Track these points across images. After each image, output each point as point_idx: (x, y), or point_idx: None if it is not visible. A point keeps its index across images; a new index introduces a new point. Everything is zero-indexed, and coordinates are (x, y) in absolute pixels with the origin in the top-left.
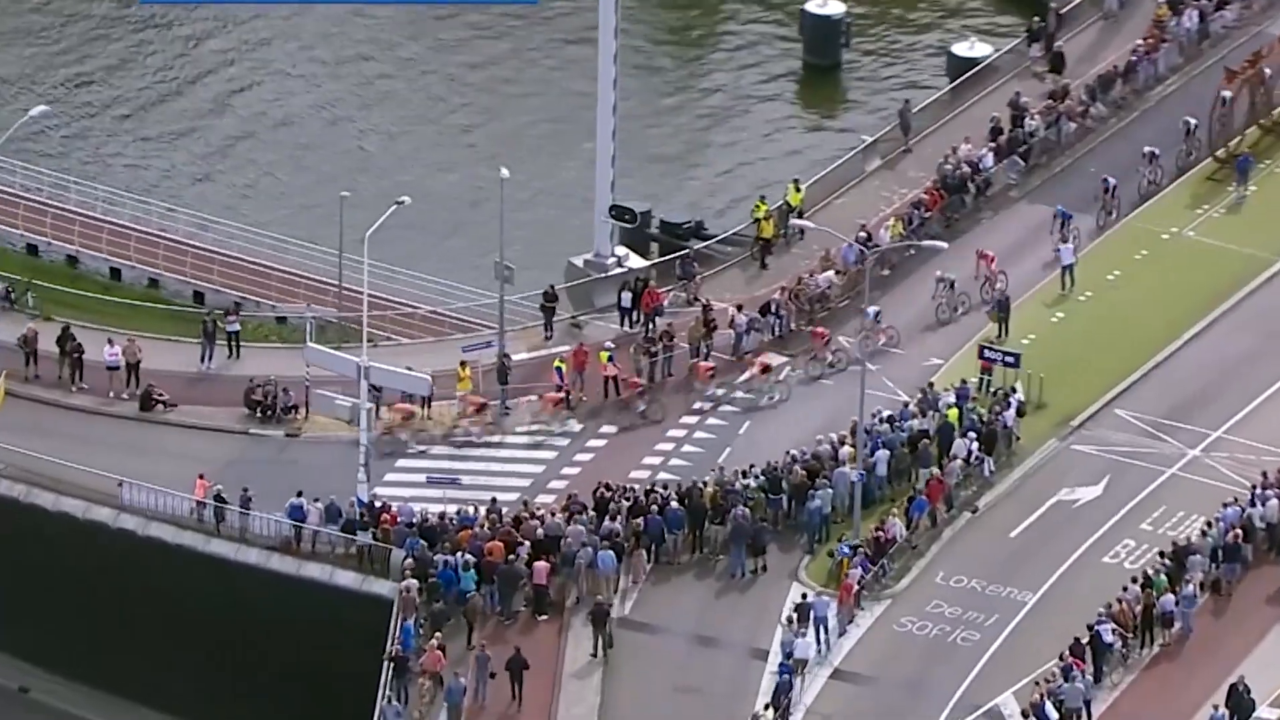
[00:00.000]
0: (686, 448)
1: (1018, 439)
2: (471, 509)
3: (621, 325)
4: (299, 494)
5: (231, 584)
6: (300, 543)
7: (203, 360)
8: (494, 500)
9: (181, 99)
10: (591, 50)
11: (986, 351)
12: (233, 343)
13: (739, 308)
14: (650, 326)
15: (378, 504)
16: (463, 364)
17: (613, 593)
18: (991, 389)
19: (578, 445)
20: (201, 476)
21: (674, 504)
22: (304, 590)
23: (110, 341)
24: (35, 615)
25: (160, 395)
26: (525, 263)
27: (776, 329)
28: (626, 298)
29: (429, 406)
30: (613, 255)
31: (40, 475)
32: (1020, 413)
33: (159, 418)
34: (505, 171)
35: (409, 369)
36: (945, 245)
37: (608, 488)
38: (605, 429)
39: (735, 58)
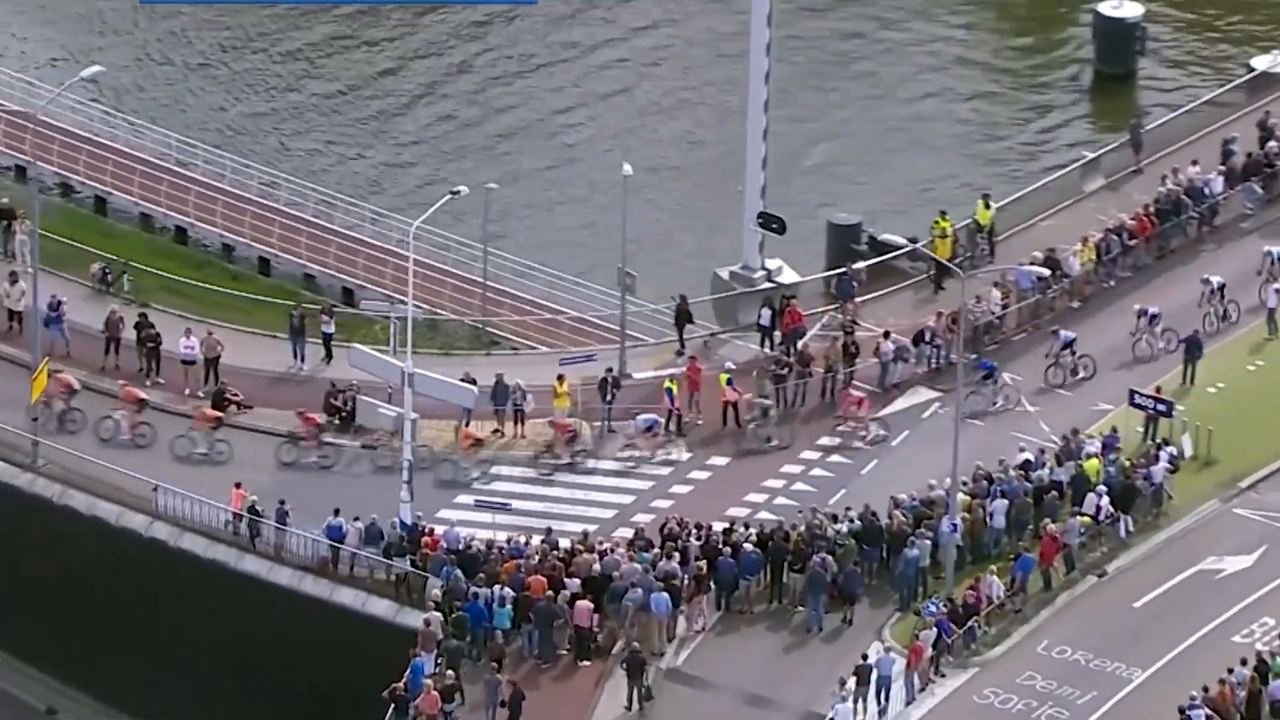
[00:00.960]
0: (798, 485)
1: (1169, 497)
2: (523, 538)
3: (761, 346)
4: (336, 512)
5: (262, 605)
6: (337, 565)
7: (295, 359)
8: (549, 531)
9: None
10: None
11: (1137, 397)
12: (327, 345)
13: (886, 334)
14: (790, 349)
15: (423, 526)
16: (560, 378)
17: (666, 640)
18: (1155, 440)
19: (679, 475)
20: (238, 485)
21: (749, 546)
22: (335, 617)
23: (187, 333)
24: (63, 626)
25: (234, 395)
26: (693, 272)
27: (933, 360)
28: (766, 315)
29: (523, 423)
30: (761, 268)
31: (80, 475)
32: (1174, 468)
33: (229, 419)
34: (628, 168)
35: (514, 383)
36: (1045, 271)
37: (679, 524)
38: (715, 460)
39: (1017, 60)
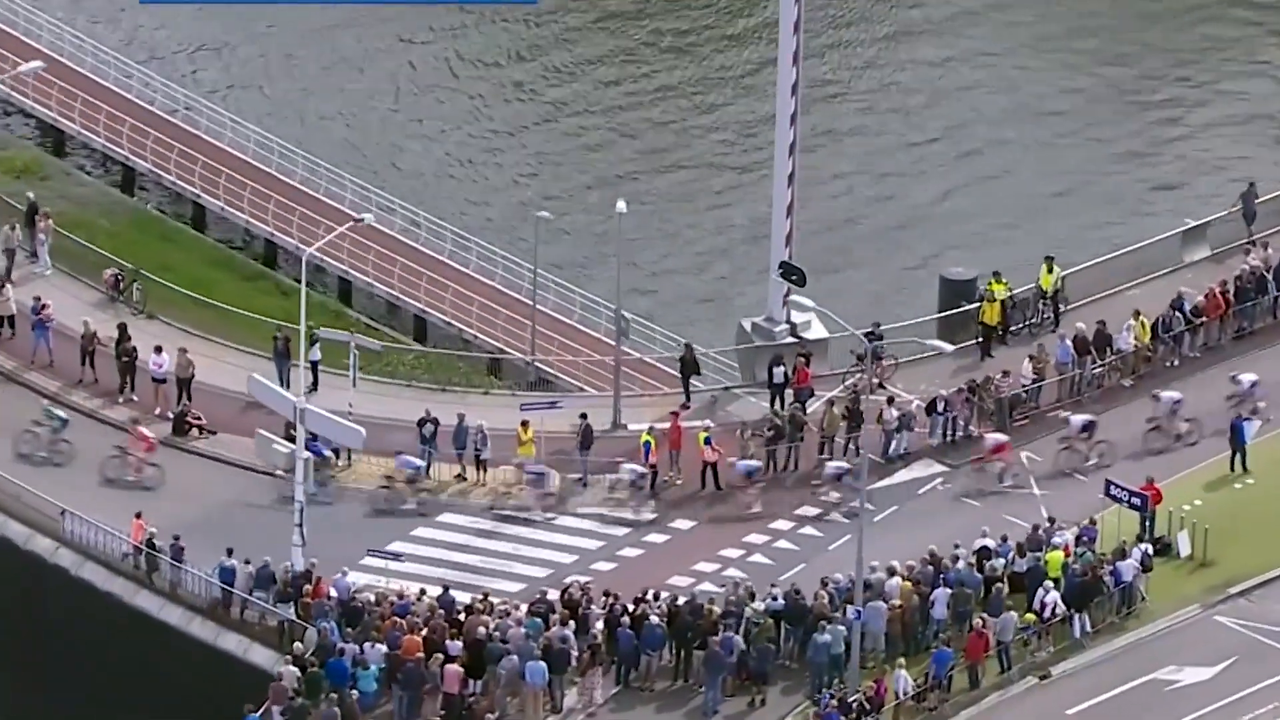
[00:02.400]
0: (756, 557)
1: (1143, 599)
2: (419, 591)
3: (772, 405)
4: (229, 553)
5: (151, 645)
6: (229, 608)
7: (279, 384)
8: (445, 589)
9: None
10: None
11: (1113, 488)
12: (314, 373)
13: (890, 401)
14: (796, 410)
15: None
16: (524, 424)
17: (545, 713)
18: (1154, 536)
19: (635, 537)
20: (138, 516)
21: (654, 619)
22: (218, 664)
23: (158, 349)
24: None
25: (197, 419)
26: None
27: (947, 431)
28: (780, 373)
29: (485, 470)
30: (786, 321)
31: (4, 495)
32: (1146, 566)
33: (188, 445)
34: (622, 205)
35: (475, 425)
36: (949, 348)
37: (582, 590)
38: (680, 523)
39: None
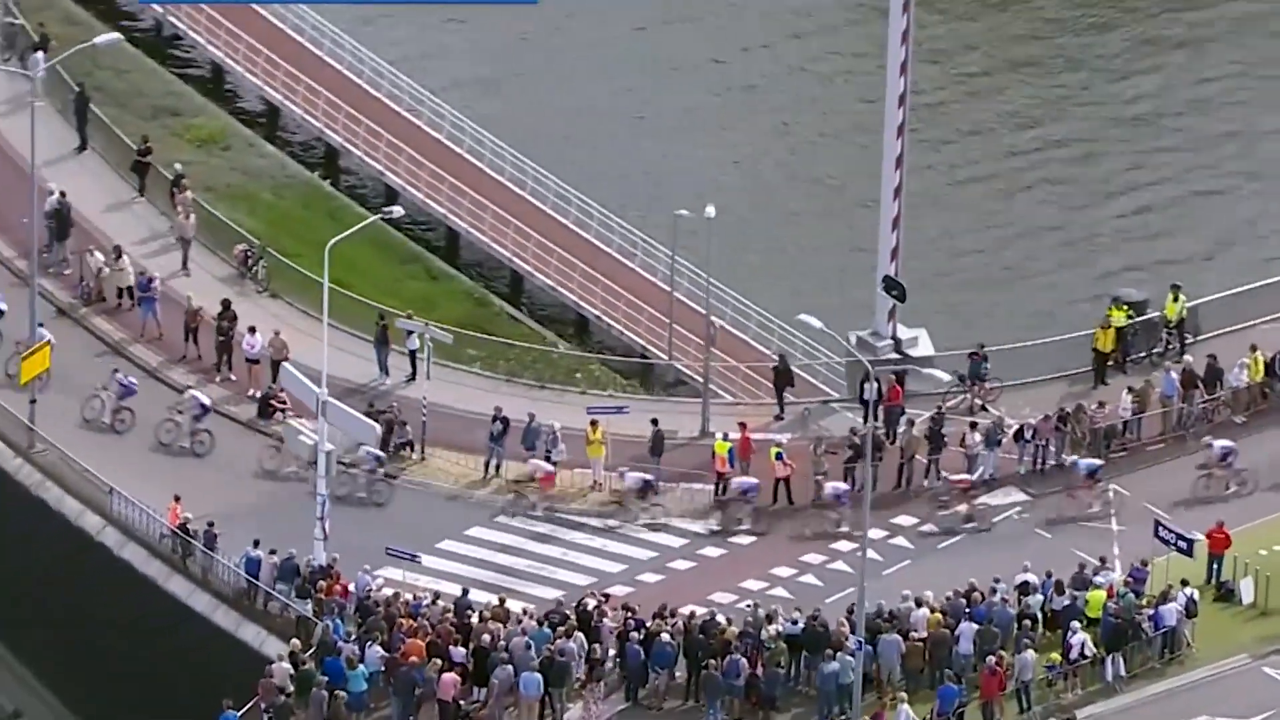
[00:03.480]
0: (806, 577)
1: (1189, 644)
2: (433, 594)
3: (865, 421)
4: (255, 543)
5: (179, 630)
6: (253, 599)
7: (380, 371)
8: (465, 592)
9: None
10: None
11: (1161, 530)
12: (413, 361)
13: (972, 425)
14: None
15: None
16: (593, 424)
17: None
18: (1219, 581)
19: (689, 549)
20: (177, 499)
21: (666, 637)
22: (234, 654)
23: (252, 329)
24: (29, 620)
25: (283, 403)
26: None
27: (1037, 459)
28: (871, 390)
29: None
30: (891, 336)
31: (62, 469)
32: (1190, 613)
33: (266, 428)
34: (711, 210)
35: (546, 425)
36: (946, 376)
37: (599, 602)
38: (738, 538)
39: None
